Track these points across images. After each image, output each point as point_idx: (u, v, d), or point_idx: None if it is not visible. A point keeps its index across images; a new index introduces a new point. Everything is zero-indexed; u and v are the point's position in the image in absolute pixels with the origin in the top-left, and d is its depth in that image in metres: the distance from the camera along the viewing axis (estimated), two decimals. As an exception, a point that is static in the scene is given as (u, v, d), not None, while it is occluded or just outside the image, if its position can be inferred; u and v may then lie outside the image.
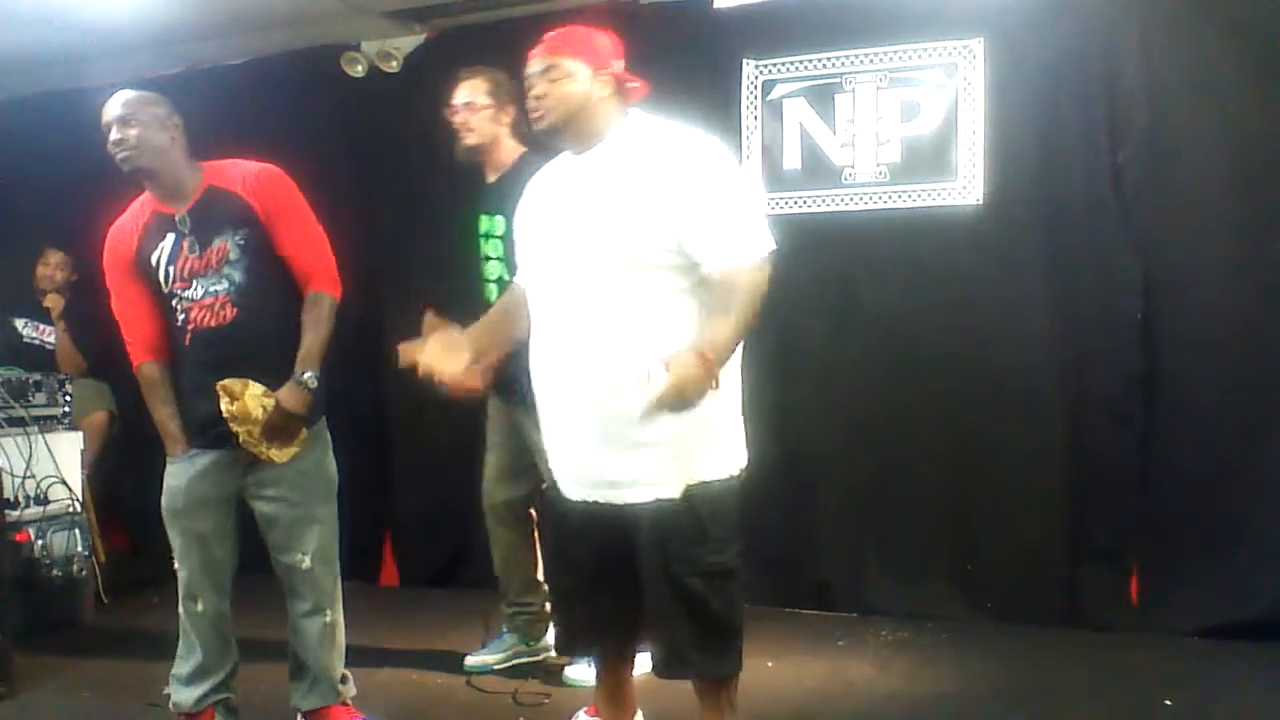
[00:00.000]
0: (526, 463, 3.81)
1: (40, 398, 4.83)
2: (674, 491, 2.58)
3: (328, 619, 3.33)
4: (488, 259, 3.86)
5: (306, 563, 3.27)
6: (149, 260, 3.17)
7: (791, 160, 4.77)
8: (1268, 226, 4.17)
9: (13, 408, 4.63)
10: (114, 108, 3.15)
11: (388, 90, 5.40)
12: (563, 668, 3.89)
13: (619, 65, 2.68)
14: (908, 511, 4.65)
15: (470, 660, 4.03)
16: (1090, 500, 4.42)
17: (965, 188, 4.53)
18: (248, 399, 3.08)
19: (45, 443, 4.64)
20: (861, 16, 4.64)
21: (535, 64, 2.63)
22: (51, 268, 5.60)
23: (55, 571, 4.60)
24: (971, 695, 3.75)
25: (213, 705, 3.31)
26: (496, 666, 4.02)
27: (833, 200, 4.72)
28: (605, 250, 2.55)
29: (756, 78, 4.80)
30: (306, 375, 3.12)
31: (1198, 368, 4.26)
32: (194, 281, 3.13)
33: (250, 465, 3.21)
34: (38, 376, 4.90)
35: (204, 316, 3.13)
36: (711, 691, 2.74)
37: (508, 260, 3.64)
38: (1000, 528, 4.53)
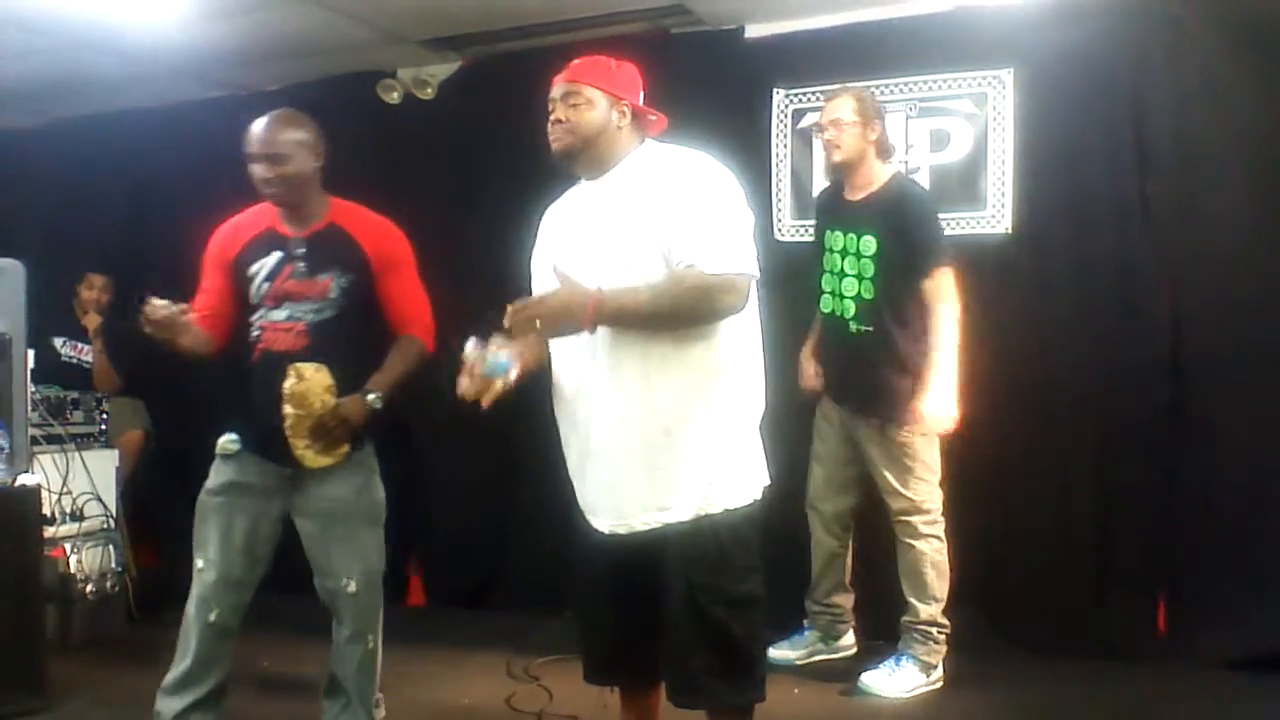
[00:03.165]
0: (854, 474, 4.15)
1: (78, 415, 4.93)
2: (685, 515, 2.57)
3: (369, 645, 3.30)
4: (843, 275, 4.00)
5: (352, 587, 3.23)
6: (246, 270, 3.19)
7: (821, 188, 4.80)
8: (1298, 257, 4.17)
9: (51, 425, 4.71)
10: (264, 139, 3.14)
11: (423, 117, 5.48)
12: (859, 672, 4.06)
13: (639, 97, 2.71)
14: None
15: (772, 652, 4.03)
16: (1118, 529, 4.40)
17: (994, 217, 4.55)
18: (313, 383, 3.06)
19: (82, 460, 4.71)
20: (891, 46, 4.68)
21: (557, 89, 2.67)
22: (96, 291, 5.70)
23: (89, 587, 4.66)
24: (998, 724, 3.75)
25: None
26: (797, 661, 4.23)
27: (861, 228, 4.74)
28: (610, 278, 2.55)
29: (787, 106, 4.84)
30: (373, 395, 3.12)
31: (1227, 397, 4.24)
32: (283, 303, 3.16)
33: (297, 484, 3.21)
34: (75, 395, 4.98)
35: (276, 339, 3.15)
36: None
37: (866, 278, 3.91)
38: (1027, 556, 4.51)
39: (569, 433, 2.73)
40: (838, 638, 4.39)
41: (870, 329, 3.95)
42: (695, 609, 2.57)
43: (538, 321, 2.52)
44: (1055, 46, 4.45)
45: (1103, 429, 4.45)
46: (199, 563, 3.24)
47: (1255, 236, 4.22)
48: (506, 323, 2.53)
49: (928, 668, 4.01)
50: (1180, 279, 4.33)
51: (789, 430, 4.32)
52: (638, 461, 2.58)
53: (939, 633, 4.02)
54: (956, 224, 4.59)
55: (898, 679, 3.98)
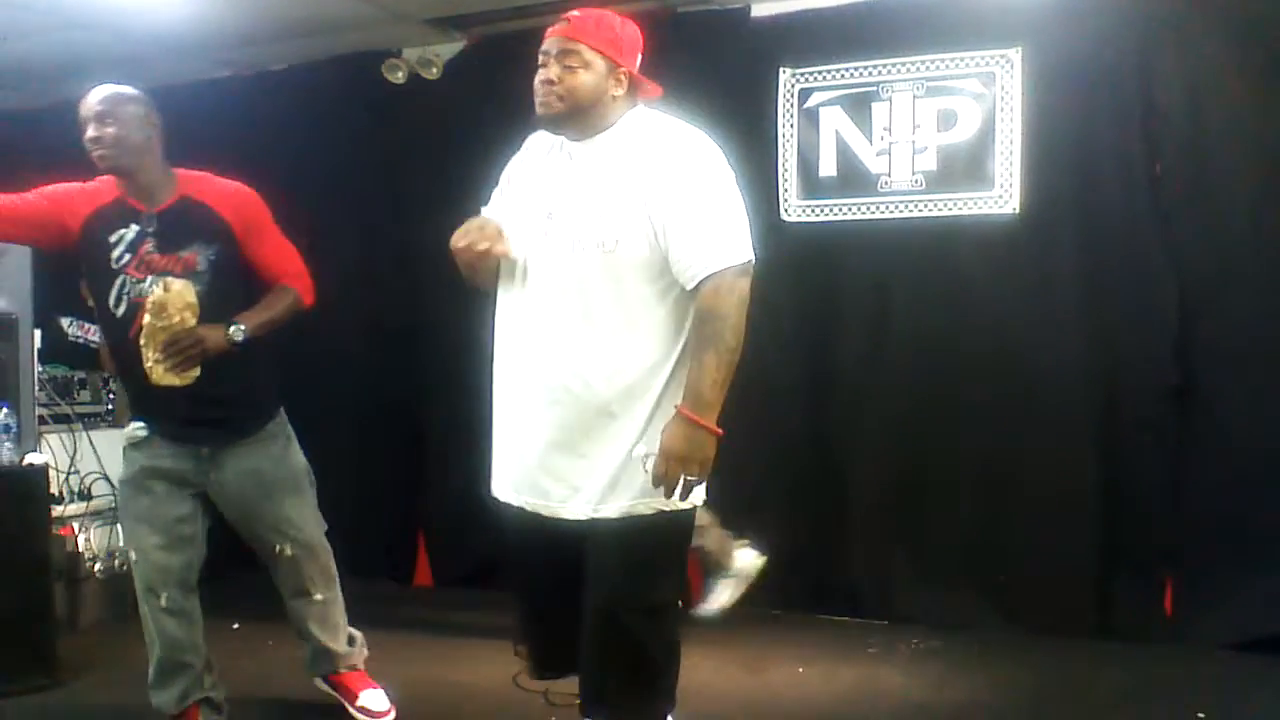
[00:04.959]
0: None
1: (85, 395, 4.94)
2: (612, 512, 2.41)
3: (317, 598, 3.34)
4: None
5: (288, 550, 3.26)
6: (99, 234, 3.08)
7: (827, 168, 4.79)
8: (1306, 239, 4.15)
9: (58, 405, 4.73)
10: (92, 103, 3.06)
11: (428, 96, 5.46)
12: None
13: (638, 63, 2.49)
14: (940, 520, 4.65)
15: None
16: (1124, 511, 4.40)
17: (1002, 197, 4.53)
18: (175, 295, 2.96)
19: (89, 439, 4.73)
20: (899, 26, 4.65)
21: (552, 42, 2.43)
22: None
23: (97, 566, 4.69)
24: (1002, 705, 3.75)
25: (195, 703, 3.24)
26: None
27: (868, 208, 4.72)
28: (583, 236, 2.39)
29: (793, 86, 4.82)
30: (234, 327, 3.02)
31: (1232, 379, 4.23)
32: (149, 276, 3.04)
33: (215, 462, 3.16)
34: (82, 374, 4.99)
35: None
36: None
37: None
38: (1033, 537, 4.51)
39: (503, 396, 2.58)
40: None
41: None
42: (611, 616, 2.44)
43: (692, 486, 2.35)
44: (1064, 26, 4.42)
45: (1109, 410, 4.44)
46: (132, 554, 3.24)
47: (1264, 218, 4.19)
48: (662, 486, 2.34)
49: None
50: (1188, 260, 4.31)
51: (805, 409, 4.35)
52: (571, 436, 2.44)
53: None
54: (963, 204, 4.58)
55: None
